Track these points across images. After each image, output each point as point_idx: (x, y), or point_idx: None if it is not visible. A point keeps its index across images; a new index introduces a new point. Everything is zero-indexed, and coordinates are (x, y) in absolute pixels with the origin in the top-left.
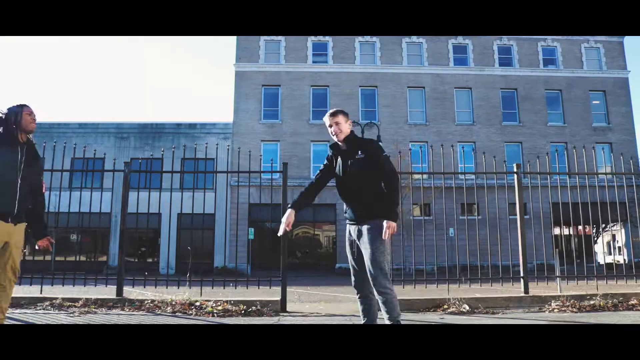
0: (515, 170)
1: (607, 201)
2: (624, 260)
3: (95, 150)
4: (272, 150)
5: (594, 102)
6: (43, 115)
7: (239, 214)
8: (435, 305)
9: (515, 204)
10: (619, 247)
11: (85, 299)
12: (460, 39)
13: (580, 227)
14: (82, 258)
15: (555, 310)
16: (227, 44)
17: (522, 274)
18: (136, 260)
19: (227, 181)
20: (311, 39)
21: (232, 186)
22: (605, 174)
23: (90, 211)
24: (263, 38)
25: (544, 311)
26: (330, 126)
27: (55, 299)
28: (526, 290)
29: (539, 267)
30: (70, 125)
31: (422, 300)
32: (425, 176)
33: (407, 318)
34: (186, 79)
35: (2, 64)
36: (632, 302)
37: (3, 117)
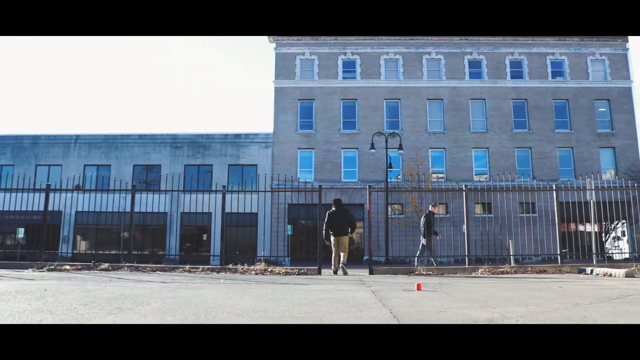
0: (464, 189)
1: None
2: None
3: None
4: (307, 157)
5: (599, 109)
6: (106, 125)
7: (279, 213)
8: (410, 271)
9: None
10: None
11: (202, 267)
12: (475, 55)
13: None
14: (145, 252)
15: (479, 273)
16: (266, 60)
17: (467, 254)
18: (183, 253)
19: (265, 183)
20: (341, 58)
21: (273, 188)
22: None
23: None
24: (298, 57)
25: (473, 274)
26: None
27: (185, 266)
28: (469, 264)
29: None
30: (131, 136)
31: (404, 268)
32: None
33: (390, 278)
34: (224, 89)
35: (67, 70)
36: (528, 270)
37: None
